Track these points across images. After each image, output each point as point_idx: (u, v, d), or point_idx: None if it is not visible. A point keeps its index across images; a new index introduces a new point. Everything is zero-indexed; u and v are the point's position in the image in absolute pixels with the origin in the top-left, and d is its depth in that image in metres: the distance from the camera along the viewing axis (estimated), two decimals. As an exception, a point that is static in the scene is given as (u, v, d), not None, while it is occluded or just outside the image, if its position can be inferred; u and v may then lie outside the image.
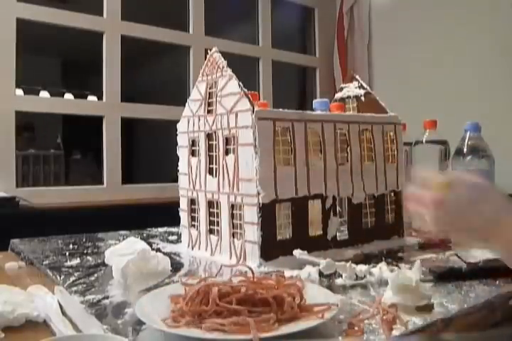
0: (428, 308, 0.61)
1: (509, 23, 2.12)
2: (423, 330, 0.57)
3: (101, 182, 2.22)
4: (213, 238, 0.98)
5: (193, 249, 1.04)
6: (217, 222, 0.97)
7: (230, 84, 0.92)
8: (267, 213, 0.87)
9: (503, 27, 2.15)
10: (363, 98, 1.16)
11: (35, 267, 0.94)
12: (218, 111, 0.95)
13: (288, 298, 0.56)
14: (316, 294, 0.61)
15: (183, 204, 1.07)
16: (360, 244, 1.00)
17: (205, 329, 0.52)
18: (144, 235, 1.25)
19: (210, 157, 0.98)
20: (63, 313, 0.64)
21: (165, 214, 1.21)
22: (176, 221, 1.11)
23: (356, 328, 0.55)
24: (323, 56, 3.01)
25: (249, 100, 0.88)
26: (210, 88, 0.99)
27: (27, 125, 3.76)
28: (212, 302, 0.54)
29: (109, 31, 2.20)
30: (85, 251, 1.04)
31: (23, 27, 1.97)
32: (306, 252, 0.83)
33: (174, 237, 1.21)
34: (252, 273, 0.62)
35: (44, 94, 3.81)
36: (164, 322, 0.54)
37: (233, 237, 0.93)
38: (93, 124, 2.33)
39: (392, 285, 0.62)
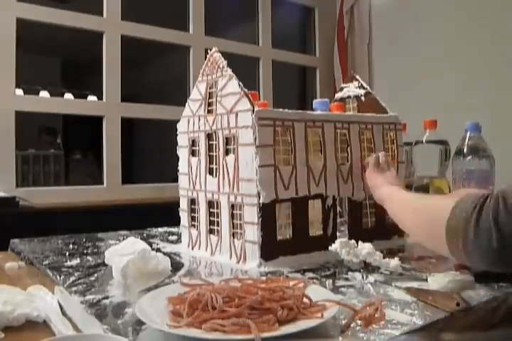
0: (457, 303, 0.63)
1: (510, 23, 2.12)
2: (423, 330, 0.57)
3: (101, 182, 2.22)
4: (213, 238, 0.98)
5: (193, 249, 1.04)
6: (218, 222, 0.97)
7: (230, 84, 0.92)
8: (267, 213, 0.87)
9: (503, 27, 2.15)
10: (363, 98, 1.16)
11: (35, 267, 0.94)
12: (218, 111, 0.95)
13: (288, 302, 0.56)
14: (316, 294, 0.61)
15: (183, 204, 1.07)
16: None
17: (205, 329, 0.52)
18: (144, 235, 1.25)
19: (210, 157, 0.98)
20: (63, 313, 0.64)
21: (165, 214, 1.21)
22: (176, 221, 1.11)
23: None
24: (323, 56, 3.01)
25: (250, 100, 0.88)
26: (210, 88, 0.99)
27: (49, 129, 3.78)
28: (218, 310, 0.54)
29: (109, 31, 2.20)
30: (85, 251, 1.04)
31: (23, 27, 1.97)
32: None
33: (174, 237, 1.21)
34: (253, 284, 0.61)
35: (44, 93, 3.81)
36: (164, 322, 0.54)
37: (233, 237, 0.93)
38: (93, 124, 2.33)
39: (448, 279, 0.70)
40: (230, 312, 0.53)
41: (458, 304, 0.62)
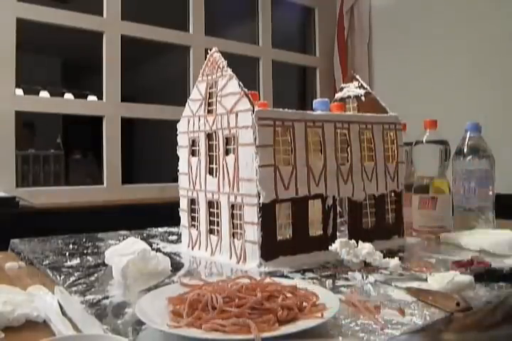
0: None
1: (509, 22, 2.12)
2: (423, 330, 0.57)
3: (101, 182, 2.22)
4: (213, 238, 0.98)
5: (193, 249, 1.04)
6: (218, 222, 0.97)
7: (230, 84, 0.92)
8: (267, 213, 0.87)
9: (503, 27, 2.15)
10: (363, 98, 1.16)
11: (35, 267, 0.94)
12: (218, 111, 0.95)
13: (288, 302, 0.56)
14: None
15: (183, 204, 1.07)
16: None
17: (205, 329, 0.52)
18: (144, 235, 1.25)
19: (210, 157, 0.98)
20: (63, 313, 0.64)
21: (165, 214, 1.21)
22: (176, 221, 1.11)
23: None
24: (323, 56, 3.01)
25: (250, 100, 0.88)
26: (210, 88, 0.99)
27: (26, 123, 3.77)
28: (218, 311, 0.54)
29: (109, 31, 2.20)
30: (85, 251, 1.04)
31: (23, 27, 1.97)
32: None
33: (174, 237, 1.21)
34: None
35: (44, 93, 3.81)
36: (164, 322, 0.54)
37: (233, 237, 0.93)
38: (93, 124, 2.34)
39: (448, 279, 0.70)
40: (230, 312, 0.53)
41: (458, 304, 0.62)
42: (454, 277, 0.71)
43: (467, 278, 0.71)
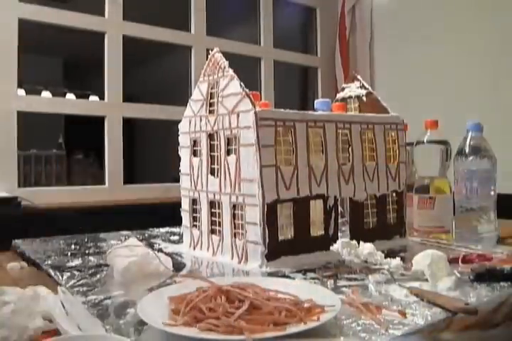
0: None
1: (510, 21, 2.12)
2: (423, 330, 0.57)
3: (103, 183, 2.23)
4: (215, 238, 0.98)
5: (194, 249, 1.04)
6: (219, 222, 0.97)
7: (232, 85, 0.93)
8: (269, 213, 0.87)
9: (504, 25, 2.15)
10: (364, 98, 1.16)
11: (38, 267, 0.94)
12: (220, 111, 0.95)
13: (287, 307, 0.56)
14: (317, 294, 0.61)
15: (185, 205, 1.08)
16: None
17: (199, 328, 0.52)
18: (146, 235, 1.26)
19: (212, 157, 0.99)
20: (66, 313, 0.64)
21: (166, 214, 1.22)
22: (177, 221, 1.11)
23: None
24: (324, 56, 3.01)
25: (251, 100, 0.88)
26: (211, 88, 0.99)
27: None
28: (219, 312, 0.54)
29: (110, 31, 2.21)
30: (87, 252, 1.04)
31: (25, 27, 1.98)
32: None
33: (176, 237, 1.21)
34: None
35: (46, 94, 3.81)
36: (166, 322, 0.54)
37: (235, 237, 0.93)
38: (95, 124, 2.34)
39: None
40: (226, 312, 0.54)
41: (467, 303, 0.62)
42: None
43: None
